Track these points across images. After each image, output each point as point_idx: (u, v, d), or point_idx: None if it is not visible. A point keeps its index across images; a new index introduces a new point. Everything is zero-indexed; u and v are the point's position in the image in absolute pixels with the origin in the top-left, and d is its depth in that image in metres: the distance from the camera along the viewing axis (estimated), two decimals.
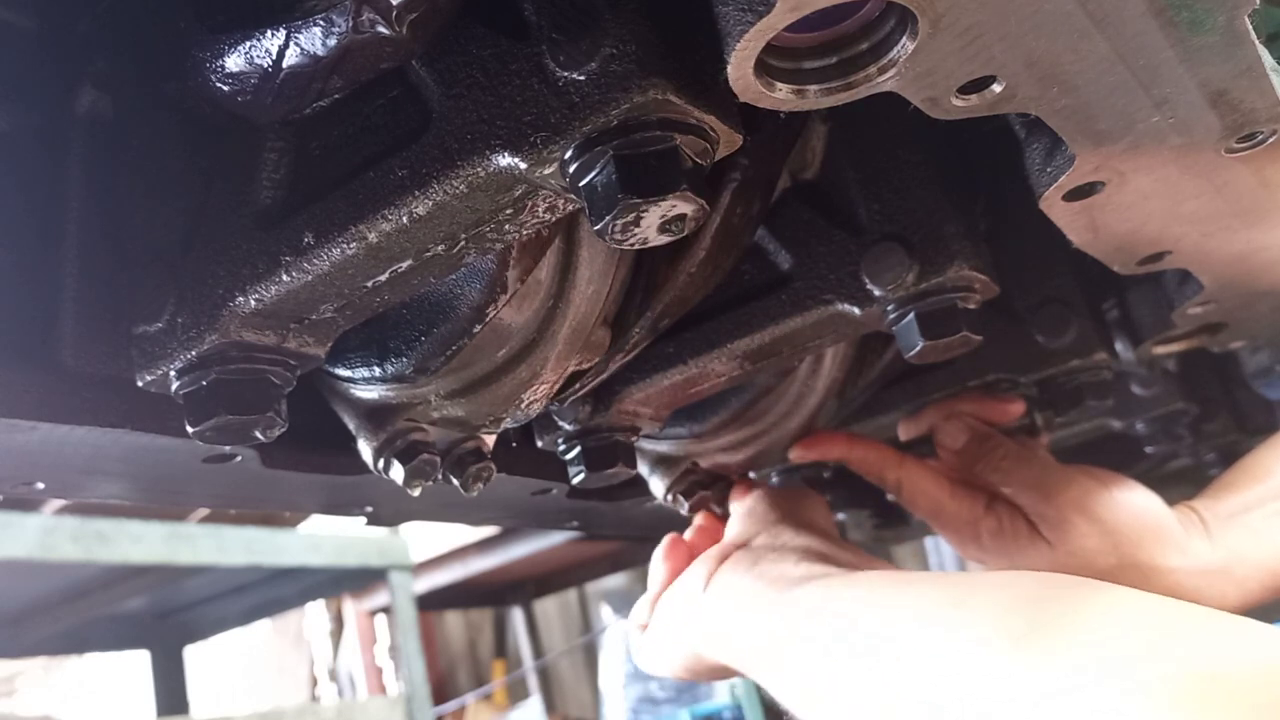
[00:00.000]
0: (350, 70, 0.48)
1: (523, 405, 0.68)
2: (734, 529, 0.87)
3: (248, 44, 0.49)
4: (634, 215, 0.44)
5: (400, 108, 0.51)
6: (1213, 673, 0.46)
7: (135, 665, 4.59)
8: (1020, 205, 0.63)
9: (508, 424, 0.70)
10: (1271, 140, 0.53)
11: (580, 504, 0.97)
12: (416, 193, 0.48)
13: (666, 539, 0.95)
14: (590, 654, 5.40)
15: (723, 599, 0.77)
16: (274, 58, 0.48)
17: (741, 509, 0.90)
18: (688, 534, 0.98)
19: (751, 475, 0.99)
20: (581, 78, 0.44)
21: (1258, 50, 0.46)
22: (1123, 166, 0.54)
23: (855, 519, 1.17)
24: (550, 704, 5.30)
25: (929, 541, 3.20)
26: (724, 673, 0.82)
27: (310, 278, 0.51)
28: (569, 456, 0.80)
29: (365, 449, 0.65)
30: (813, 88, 0.43)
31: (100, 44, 0.58)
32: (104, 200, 0.59)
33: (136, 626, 3.64)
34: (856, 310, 0.70)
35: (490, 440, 0.71)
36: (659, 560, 0.93)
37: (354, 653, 5.18)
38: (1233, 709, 0.44)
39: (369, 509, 0.86)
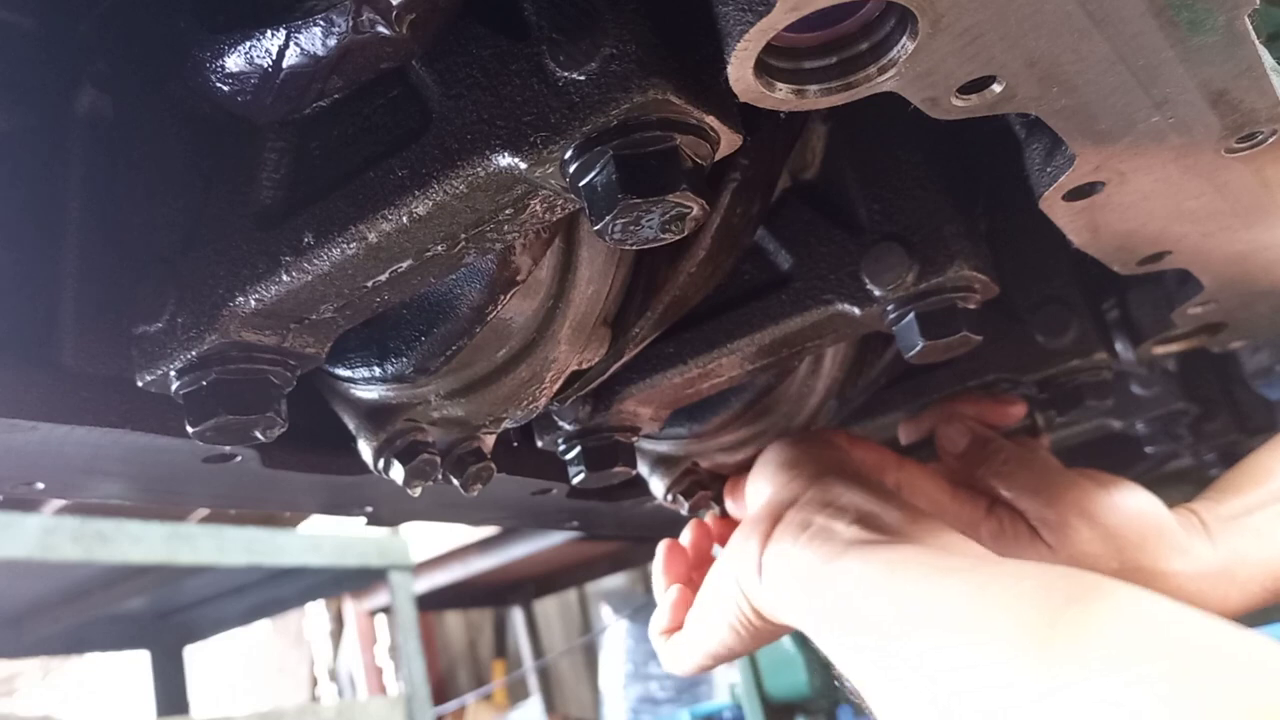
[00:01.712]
0: (350, 70, 0.48)
1: (523, 405, 0.68)
2: (779, 484, 0.83)
3: (248, 44, 0.49)
4: (634, 215, 0.44)
5: (400, 108, 0.51)
6: (1214, 668, 0.46)
7: (135, 665, 4.59)
8: (1020, 205, 0.63)
9: (508, 424, 0.70)
10: (1271, 140, 0.53)
11: (580, 504, 0.97)
12: (416, 193, 0.48)
13: (663, 547, 0.95)
14: (590, 654, 5.40)
15: (781, 562, 0.75)
16: (274, 58, 0.48)
17: (778, 460, 0.85)
18: (684, 538, 0.98)
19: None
20: (581, 78, 0.44)
21: (1258, 50, 0.46)
22: (1123, 166, 0.54)
23: None
24: (550, 704, 5.30)
25: None
26: (777, 635, 0.81)
27: (310, 278, 0.51)
28: (569, 456, 0.80)
29: (365, 449, 0.65)
30: (813, 88, 0.43)
31: (100, 44, 0.58)
32: (104, 200, 0.59)
33: (136, 626, 3.63)
34: (856, 310, 0.70)
35: (490, 440, 0.71)
36: (660, 571, 0.93)
37: (354, 653, 5.18)
38: (1232, 704, 0.44)
39: (369, 509, 0.86)
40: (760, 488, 0.86)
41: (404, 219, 0.49)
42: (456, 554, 4.52)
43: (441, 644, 5.74)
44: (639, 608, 4.78)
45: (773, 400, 0.89)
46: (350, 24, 0.45)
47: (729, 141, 0.47)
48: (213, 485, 0.72)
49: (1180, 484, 1.44)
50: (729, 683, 3.01)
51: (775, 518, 0.78)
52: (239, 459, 0.66)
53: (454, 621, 5.85)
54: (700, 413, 0.88)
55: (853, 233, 0.71)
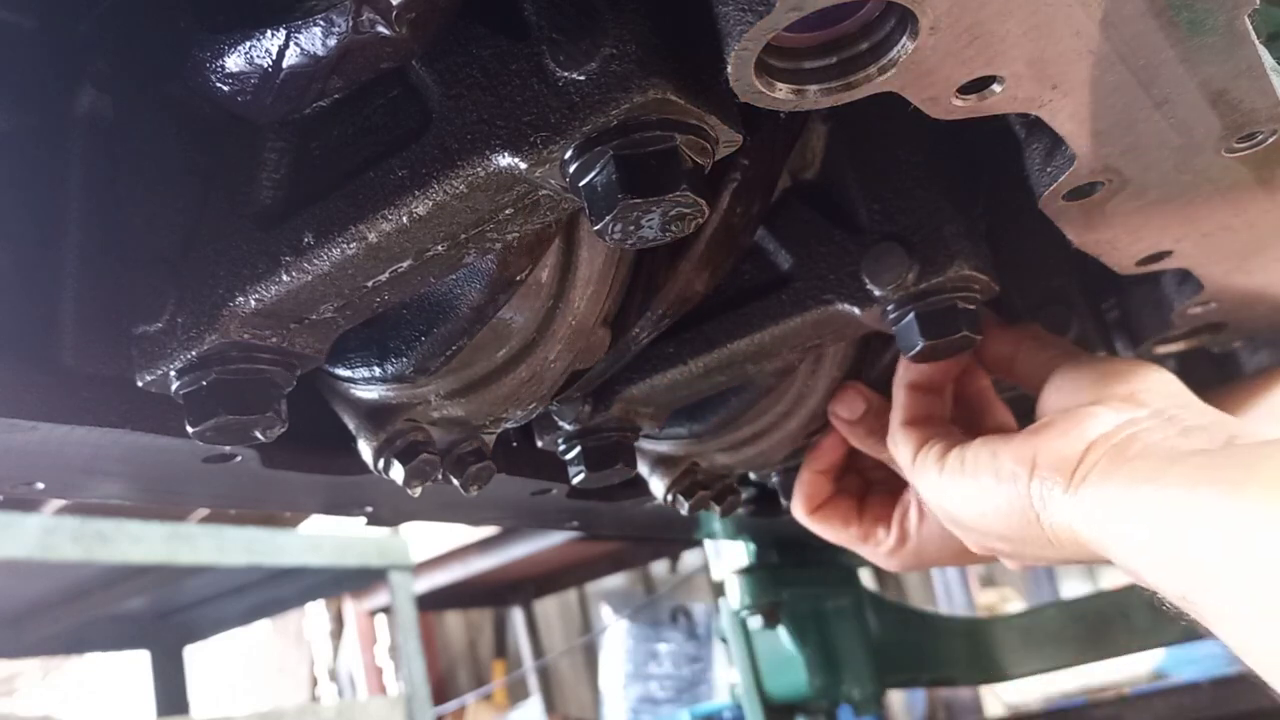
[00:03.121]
0: (350, 70, 0.48)
1: (523, 405, 0.68)
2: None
3: (248, 44, 0.49)
4: (634, 215, 0.44)
5: (400, 108, 0.51)
6: None
7: (135, 665, 4.59)
8: (1020, 205, 0.63)
9: (508, 424, 0.70)
10: (1271, 140, 0.53)
11: (580, 504, 0.97)
12: (416, 193, 0.48)
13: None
14: (590, 654, 5.40)
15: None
16: (274, 58, 0.48)
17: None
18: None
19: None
20: (581, 78, 0.44)
21: (1258, 50, 0.46)
22: (1123, 166, 0.54)
23: None
24: (550, 704, 5.29)
25: None
26: None
27: (310, 278, 0.51)
28: (569, 456, 0.80)
29: (365, 449, 0.65)
30: (812, 88, 0.43)
31: (100, 44, 0.58)
32: (104, 200, 0.59)
33: (136, 626, 3.63)
34: (856, 310, 0.70)
35: (490, 440, 0.71)
36: None
37: (354, 653, 5.18)
38: None
39: (369, 509, 0.86)
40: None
41: (404, 219, 0.49)
42: (456, 554, 4.52)
43: (441, 644, 5.74)
44: (639, 608, 4.78)
45: (773, 400, 0.89)
46: (350, 24, 0.45)
47: (729, 141, 0.47)
48: (213, 485, 0.72)
49: None
50: (729, 683, 3.01)
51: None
52: (239, 459, 0.66)
53: (454, 621, 5.85)
54: (700, 413, 0.88)
55: (853, 233, 0.71)
